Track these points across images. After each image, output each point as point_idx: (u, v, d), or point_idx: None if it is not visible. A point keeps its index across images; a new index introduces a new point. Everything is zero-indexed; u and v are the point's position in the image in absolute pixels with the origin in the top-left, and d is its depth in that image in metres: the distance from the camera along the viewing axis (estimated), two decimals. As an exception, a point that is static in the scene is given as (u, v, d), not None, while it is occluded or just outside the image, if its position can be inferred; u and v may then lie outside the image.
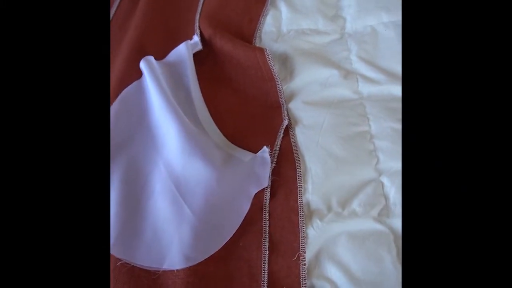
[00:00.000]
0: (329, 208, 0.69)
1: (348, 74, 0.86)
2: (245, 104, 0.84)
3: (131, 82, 0.82)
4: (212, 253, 0.66)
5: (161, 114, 0.77)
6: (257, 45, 0.92)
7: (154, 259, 0.66)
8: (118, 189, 0.70)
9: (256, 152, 0.76)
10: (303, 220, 0.68)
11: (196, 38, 0.88)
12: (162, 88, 0.78)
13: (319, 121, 0.78)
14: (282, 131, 0.78)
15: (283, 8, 0.97)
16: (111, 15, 1.00)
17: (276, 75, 0.83)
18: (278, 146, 0.77)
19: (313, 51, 0.90)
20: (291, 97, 0.84)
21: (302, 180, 0.72)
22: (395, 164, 0.73)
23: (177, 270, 0.64)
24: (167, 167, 0.73)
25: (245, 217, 0.69)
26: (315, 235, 0.67)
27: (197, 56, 0.87)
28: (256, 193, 0.71)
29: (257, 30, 0.94)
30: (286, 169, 0.74)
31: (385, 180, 0.72)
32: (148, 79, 0.80)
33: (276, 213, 0.70)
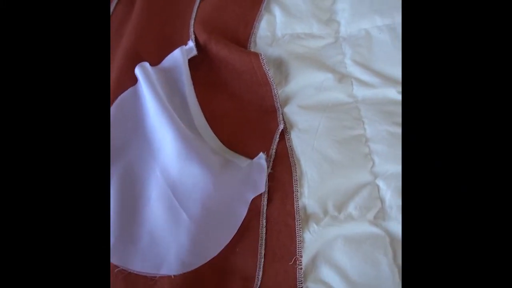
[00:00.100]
0: (325, 212, 0.70)
1: (343, 77, 0.86)
2: (240, 109, 0.85)
3: (127, 89, 0.82)
4: (209, 258, 0.66)
5: (156, 119, 0.77)
6: (252, 50, 0.92)
7: (151, 265, 0.66)
8: (114, 196, 0.70)
9: (252, 157, 0.76)
10: (299, 224, 0.68)
11: (191, 44, 0.88)
12: (157, 94, 0.78)
13: (314, 125, 0.79)
14: (278, 136, 0.79)
15: (278, 12, 0.98)
16: (106, 21, 1.00)
17: (271, 79, 0.83)
18: (274, 151, 0.77)
19: (307, 55, 0.90)
20: (286, 101, 0.84)
21: (298, 184, 0.72)
22: (391, 167, 0.73)
23: (174, 275, 0.64)
24: (164, 172, 0.73)
25: (242, 223, 0.69)
26: (312, 239, 0.67)
27: (192, 62, 0.87)
28: (252, 199, 0.71)
29: (252, 35, 0.94)
30: (282, 173, 0.74)
31: (380, 183, 0.72)
32: (143, 85, 0.80)
33: (273, 218, 0.70)
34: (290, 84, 0.86)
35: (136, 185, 0.73)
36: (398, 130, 0.76)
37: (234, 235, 0.68)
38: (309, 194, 0.71)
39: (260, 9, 0.98)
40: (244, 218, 0.70)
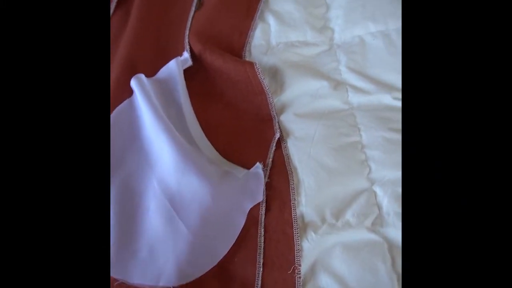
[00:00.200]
0: (323, 220, 0.70)
1: (338, 85, 0.86)
2: (236, 118, 0.85)
3: (122, 101, 0.82)
4: (208, 269, 0.66)
5: (153, 131, 0.77)
6: (247, 59, 0.93)
7: (150, 277, 0.66)
8: (112, 209, 0.70)
9: (249, 166, 0.77)
10: (297, 233, 0.68)
11: (186, 54, 0.89)
12: (153, 105, 0.79)
13: (311, 133, 0.79)
14: (274, 144, 0.79)
15: (272, 21, 0.98)
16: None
17: (267, 88, 0.83)
18: (271, 159, 0.77)
19: (302, 63, 0.91)
20: (282, 109, 0.85)
21: (295, 193, 0.72)
22: (387, 173, 0.74)
23: (173, 287, 0.64)
24: (161, 184, 0.73)
25: (240, 232, 0.69)
26: (310, 248, 0.67)
27: (187, 72, 0.87)
28: (250, 208, 0.71)
29: (247, 44, 0.95)
30: (279, 182, 0.74)
31: (377, 189, 0.72)
32: (139, 97, 0.80)
33: (271, 227, 0.70)
34: (286, 93, 0.86)
35: (134, 197, 0.73)
36: (394, 136, 0.77)
37: (233, 245, 0.69)
38: (307, 202, 0.71)
39: (254, 18, 0.98)
40: (242, 228, 0.70)
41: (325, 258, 0.66)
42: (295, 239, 0.68)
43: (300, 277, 0.64)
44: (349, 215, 0.70)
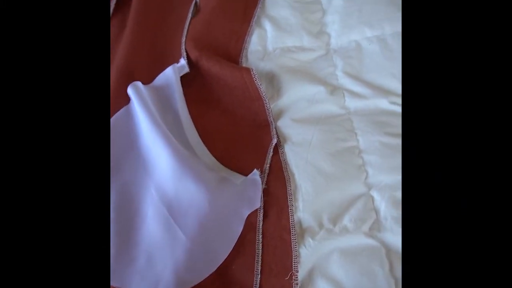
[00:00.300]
0: (321, 225, 0.70)
1: (335, 89, 0.87)
2: (233, 125, 0.85)
3: (120, 108, 0.82)
4: (206, 276, 0.66)
5: (150, 138, 0.77)
6: (244, 65, 0.93)
7: (148, 285, 0.66)
8: (110, 217, 0.70)
9: (246, 172, 0.77)
10: (295, 239, 0.68)
11: (182, 61, 0.89)
12: (150, 113, 0.79)
13: (308, 138, 0.79)
14: (272, 150, 0.79)
15: (268, 26, 0.98)
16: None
17: (264, 94, 0.84)
18: (268, 165, 0.77)
19: (299, 68, 0.91)
20: (279, 115, 0.85)
21: (293, 198, 0.72)
22: (385, 177, 0.74)
23: (171, 294, 0.65)
24: (159, 191, 0.73)
25: (238, 239, 0.69)
26: (308, 254, 0.67)
27: (184, 79, 0.88)
28: (248, 214, 0.71)
29: (243, 50, 0.95)
30: (277, 187, 0.75)
31: (375, 194, 0.73)
32: (136, 104, 0.81)
33: (269, 233, 0.70)
34: (283, 98, 0.86)
35: (131, 205, 0.73)
36: (391, 140, 0.77)
37: (231, 252, 0.69)
38: (304, 207, 0.71)
39: (250, 24, 0.98)
40: (240, 234, 0.70)
41: (322, 263, 0.66)
42: (292, 245, 0.68)
43: (297, 283, 0.64)
44: (346, 220, 0.70)
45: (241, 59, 0.94)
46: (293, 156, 0.78)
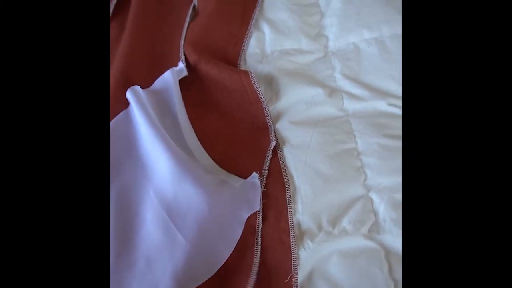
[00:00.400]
0: (320, 228, 0.70)
1: (333, 92, 0.87)
2: (232, 127, 0.85)
3: (118, 112, 0.83)
4: (206, 279, 0.66)
5: (149, 142, 0.78)
6: (242, 68, 0.93)
7: (147, 289, 0.66)
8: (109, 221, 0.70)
9: (245, 175, 0.77)
10: (294, 241, 0.68)
11: (181, 65, 0.89)
12: (149, 116, 0.79)
13: (306, 141, 0.79)
14: (270, 152, 0.79)
15: (266, 29, 0.99)
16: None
17: (262, 96, 0.84)
18: (267, 168, 0.77)
19: (297, 70, 0.91)
20: (277, 117, 0.85)
21: (292, 201, 0.72)
22: (383, 179, 0.74)
23: (171, 298, 0.64)
24: (158, 194, 0.74)
25: (238, 242, 0.69)
26: (307, 256, 0.67)
27: (183, 82, 0.88)
28: (248, 218, 0.71)
29: (242, 53, 0.95)
30: (276, 190, 0.75)
31: (373, 196, 0.73)
32: (135, 108, 0.81)
33: (268, 235, 0.70)
34: (281, 100, 0.87)
35: (130, 208, 0.73)
36: (389, 142, 0.77)
37: (230, 255, 0.69)
38: (303, 210, 0.71)
39: (249, 27, 0.99)
40: (240, 237, 0.70)
41: (322, 266, 0.66)
42: (292, 247, 0.68)
43: (297, 286, 0.64)
44: (345, 222, 0.70)
45: (240, 62, 0.94)
46: (292, 159, 0.78)
